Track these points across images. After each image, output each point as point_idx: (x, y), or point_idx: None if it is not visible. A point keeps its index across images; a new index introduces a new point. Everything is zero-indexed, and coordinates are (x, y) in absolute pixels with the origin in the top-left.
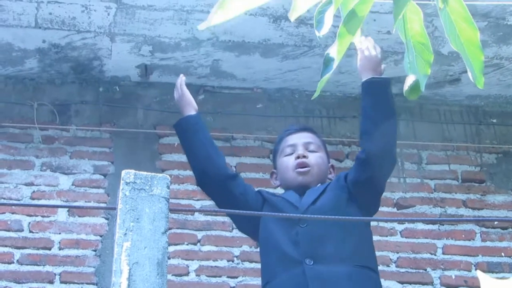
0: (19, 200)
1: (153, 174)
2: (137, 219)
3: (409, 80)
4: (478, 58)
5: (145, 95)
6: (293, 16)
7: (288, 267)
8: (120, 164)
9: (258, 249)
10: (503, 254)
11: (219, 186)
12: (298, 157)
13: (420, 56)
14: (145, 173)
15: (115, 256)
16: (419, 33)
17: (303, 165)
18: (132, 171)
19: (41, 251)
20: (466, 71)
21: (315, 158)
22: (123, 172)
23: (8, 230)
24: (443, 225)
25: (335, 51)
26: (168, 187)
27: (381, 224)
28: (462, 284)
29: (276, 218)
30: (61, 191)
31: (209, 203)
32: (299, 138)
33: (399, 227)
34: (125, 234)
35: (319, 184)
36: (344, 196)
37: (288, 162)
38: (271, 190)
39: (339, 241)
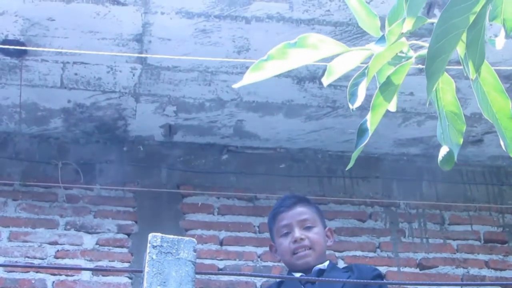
0: (43, 259)
1: (179, 237)
2: (164, 282)
3: (443, 151)
4: (510, 128)
5: (169, 154)
6: (327, 81)
7: None
8: (144, 223)
9: None
10: None
11: None
12: (295, 241)
13: (452, 125)
14: (171, 236)
15: None
16: (451, 103)
17: (301, 249)
18: (159, 234)
19: None
20: (488, 132)
21: (313, 236)
22: (150, 236)
23: None
24: (466, 286)
25: (369, 121)
26: (194, 251)
27: (404, 287)
28: None
29: None
30: (85, 250)
31: (232, 263)
32: (293, 217)
33: None
34: None
35: (327, 263)
36: None
37: (285, 244)
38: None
39: None
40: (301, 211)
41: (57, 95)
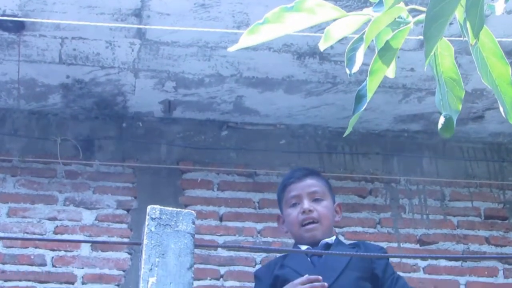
0: (42, 234)
1: (178, 209)
2: (163, 254)
3: (442, 119)
4: (509, 94)
5: (168, 130)
6: (323, 46)
7: None
8: (143, 199)
9: None
10: None
11: None
12: (303, 212)
13: (451, 92)
14: (170, 208)
15: None
16: (450, 69)
17: (309, 221)
18: (158, 206)
19: (64, 286)
20: (489, 109)
21: (321, 210)
22: (149, 208)
23: (31, 265)
24: (466, 261)
25: (366, 87)
26: (193, 223)
27: (404, 260)
28: None
29: None
30: (84, 226)
31: (232, 238)
32: (303, 188)
33: (422, 263)
34: (151, 269)
35: (334, 238)
36: (367, 277)
37: (293, 215)
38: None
39: None
40: (312, 183)
41: (56, 71)
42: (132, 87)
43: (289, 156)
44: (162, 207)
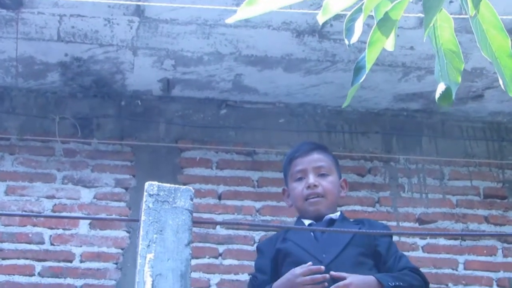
0: (40, 213)
1: (176, 186)
2: (161, 231)
3: (440, 88)
4: (509, 66)
5: (167, 109)
6: (322, 19)
7: None
8: (141, 177)
9: None
10: None
11: None
12: (309, 187)
13: (450, 63)
14: (168, 185)
15: (138, 268)
16: (450, 41)
17: (314, 196)
18: (156, 183)
19: (62, 264)
20: (489, 88)
21: (326, 185)
22: (147, 184)
23: (29, 243)
24: (465, 240)
25: (366, 58)
26: (191, 199)
27: (403, 239)
28: None
29: (297, 265)
30: (83, 204)
31: (230, 217)
32: (309, 162)
33: (421, 242)
34: (148, 245)
35: (338, 213)
36: (370, 254)
37: (299, 189)
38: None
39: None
40: (318, 158)
41: (54, 49)
42: (130, 65)
43: (288, 135)
44: (160, 183)
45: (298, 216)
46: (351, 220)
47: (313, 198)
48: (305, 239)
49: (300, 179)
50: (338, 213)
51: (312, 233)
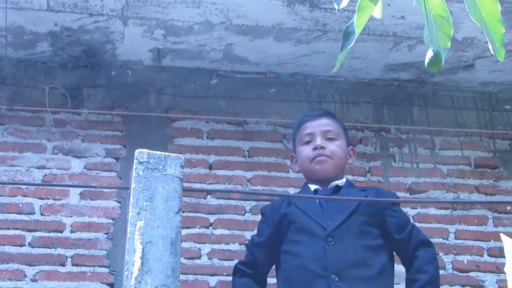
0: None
1: (166, 153)
2: (151, 198)
3: (430, 53)
4: (498, 31)
5: (157, 79)
6: None
7: (313, 282)
8: (132, 147)
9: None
10: None
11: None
12: (315, 148)
13: (440, 29)
14: (158, 152)
15: (128, 235)
16: (439, 6)
17: (321, 157)
18: (146, 150)
19: (52, 234)
20: (480, 57)
21: (333, 148)
22: (137, 152)
23: (20, 213)
24: (455, 210)
25: (355, 23)
26: (181, 167)
27: None
28: (474, 269)
29: (300, 234)
30: (73, 174)
31: (221, 187)
32: (317, 126)
33: (412, 211)
34: (139, 213)
35: (344, 180)
36: (376, 223)
37: (305, 152)
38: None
39: (365, 263)
40: (326, 122)
41: (44, 18)
42: (121, 35)
43: (279, 105)
44: (150, 151)
45: (305, 182)
46: (358, 187)
47: (319, 157)
48: (310, 205)
49: (307, 142)
50: (344, 180)
51: (317, 200)
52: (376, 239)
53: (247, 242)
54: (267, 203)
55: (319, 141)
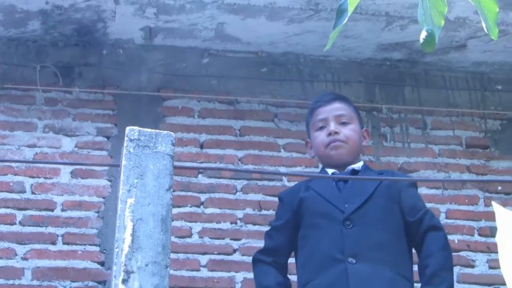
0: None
1: (157, 131)
2: (141, 175)
3: (424, 33)
4: (492, 10)
5: (149, 58)
6: None
7: (330, 266)
8: (123, 126)
9: (261, 212)
10: None
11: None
12: (329, 134)
13: (434, 7)
14: (149, 130)
15: (119, 212)
16: None
17: (335, 142)
18: (136, 128)
19: (43, 213)
20: (472, 37)
21: (347, 132)
22: (127, 129)
23: (11, 192)
24: (446, 189)
25: (347, 2)
26: (172, 144)
27: None
28: (465, 249)
29: (318, 218)
30: (64, 153)
31: (212, 165)
32: (330, 111)
33: None
34: (129, 190)
35: (361, 164)
36: (393, 206)
37: (320, 138)
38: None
39: (383, 246)
40: (339, 107)
41: None
42: (112, 13)
43: (271, 84)
44: (140, 128)
45: (321, 167)
46: (375, 170)
47: (333, 143)
48: (328, 189)
49: (321, 128)
50: (361, 164)
51: (334, 183)
52: (395, 222)
53: (268, 229)
54: (258, 182)
55: (332, 126)
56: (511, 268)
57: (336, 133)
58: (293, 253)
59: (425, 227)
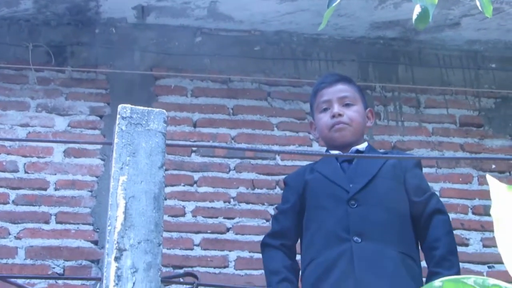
0: (14, 141)
1: (149, 108)
2: (134, 153)
3: (417, 9)
4: None
5: (141, 37)
6: None
7: (335, 244)
8: (116, 105)
9: (254, 191)
10: None
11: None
12: (333, 116)
13: None
14: (141, 107)
15: (111, 190)
16: None
17: (339, 125)
18: (129, 105)
19: (36, 192)
20: (466, 15)
21: (351, 114)
22: (120, 107)
23: (4, 171)
24: (440, 168)
25: None
26: (165, 122)
27: None
28: (459, 227)
29: (323, 199)
30: (57, 132)
31: (206, 144)
32: (334, 93)
33: None
34: (121, 168)
35: (365, 144)
36: (398, 187)
37: (324, 120)
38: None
39: (388, 225)
40: (342, 88)
41: None
42: None
43: (264, 63)
44: (133, 106)
45: (326, 149)
46: (380, 151)
47: (337, 125)
48: (332, 170)
49: (325, 109)
50: (365, 144)
51: (339, 164)
52: (400, 202)
53: (274, 212)
54: (251, 161)
55: (336, 108)
56: (506, 243)
57: (340, 115)
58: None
59: (430, 210)
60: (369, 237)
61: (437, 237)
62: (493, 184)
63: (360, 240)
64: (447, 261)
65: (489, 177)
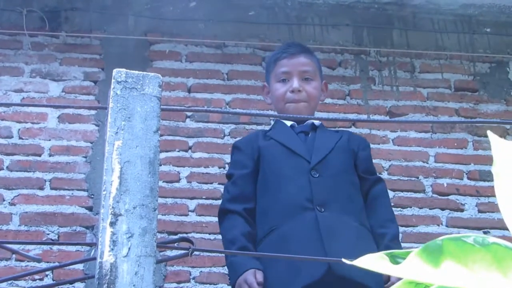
0: (8, 107)
1: (144, 73)
2: (129, 118)
3: None
4: None
5: (136, 1)
6: None
7: (299, 213)
8: (110, 70)
9: None
10: None
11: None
12: (293, 91)
13: None
14: (136, 72)
15: (106, 155)
16: None
17: (297, 102)
18: (124, 70)
19: (31, 158)
20: None
21: (310, 90)
22: (114, 71)
23: None
24: (435, 133)
25: None
26: (160, 86)
27: (374, 132)
28: (454, 192)
29: (281, 167)
30: (51, 97)
31: (200, 109)
32: (295, 66)
33: (392, 135)
34: (116, 133)
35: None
36: (352, 163)
37: (282, 91)
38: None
39: (348, 197)
40: (304, 62)
41: None
42: None
43: (258, 28)
44: (128, 70)
45: (277, 119)
46: (331, 129)
47: (295, 102)
48: (290, 138)
49: (283, 80)
50: (318, 121)
51: (296, 134)
52: (354, 175)
53: (226, 183)
54: (246, 126)
55: (296, 83)
56: (507, 199)
57: (299, 91)
58: None
59: (377, 192)
60: (331, 208)
61: (383, 223)
62: (494, 140)
63: (323, 210)
64: (396, 244)
65: (490, 133)
